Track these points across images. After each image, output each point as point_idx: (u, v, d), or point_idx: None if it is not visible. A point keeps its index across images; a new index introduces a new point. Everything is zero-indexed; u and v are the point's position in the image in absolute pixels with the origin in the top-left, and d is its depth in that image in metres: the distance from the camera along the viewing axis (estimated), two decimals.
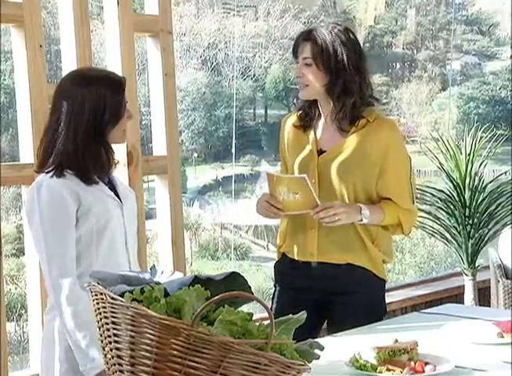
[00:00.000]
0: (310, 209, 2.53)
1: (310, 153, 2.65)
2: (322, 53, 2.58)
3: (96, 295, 1.49)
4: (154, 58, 3.24)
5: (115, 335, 1.45)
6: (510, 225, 4.47)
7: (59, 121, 2.29)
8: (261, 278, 12.89)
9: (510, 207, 4.43)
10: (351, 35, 2.63)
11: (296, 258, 2.69)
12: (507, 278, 4.41)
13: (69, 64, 2.94)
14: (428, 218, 4.53)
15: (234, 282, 1.54)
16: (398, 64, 20.71)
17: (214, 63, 17.67)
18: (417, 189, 4.46)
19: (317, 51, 2.58)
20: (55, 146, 2.29)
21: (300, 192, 2.51)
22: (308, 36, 2.61)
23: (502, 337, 2.32)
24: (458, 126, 17.15)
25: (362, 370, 2.01)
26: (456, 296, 4.65)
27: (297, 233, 2.68)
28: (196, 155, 18.13)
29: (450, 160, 4.53)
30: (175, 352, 1.37)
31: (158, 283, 1.50)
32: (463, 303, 4.46)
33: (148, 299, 1.44)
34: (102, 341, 1.48)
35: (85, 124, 2.27)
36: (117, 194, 2.39)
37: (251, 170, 17.52)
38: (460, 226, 4.42)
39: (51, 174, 2.26)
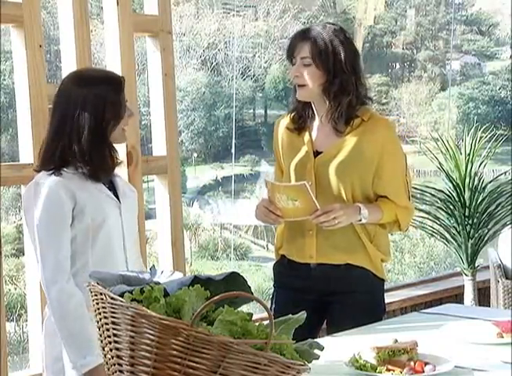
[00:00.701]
0: (309, 215, 2.53)
1: (306, 155, 2.65)
2: (321, 53, 2.57)
3: (96, 295, 1.49)
4: (154, 58, 3.24)
5: (115, 335, 1.45)
6: (509, 226, 4.47)
7: (61, 123, 2.31)
8: (261, 278, 12.89)
9: (509, 207, 4.43)
10: (347, 35, 2.64)
11: (295, 259, 2.69)
12: (507, 278, 4.41)
13: (68, 64, 2.94)
14: (428, 218, 4.53)
15: (234, 282, 1.54)
16: (397, 64, 20.71)
17: (214, 63, 17.66)
18: (417, 189, 4.48)
19: (316, 50, 2.57)
20: (58, 146, 2.31)
21: (299, 199, 2.50)
22: (305, 35, 2.60)
23: (502, 337, 2.32)
24: (458, 126, 17.14)
25: (361, 370, 2.01)
26: (456, 296, 4.65)
27: (295, 236, 2.68)
28: (195, 155, 18.13)
29: (450, 160, 4.53)
30: (175, 352, 1.37)
31: (158, 283, 1.50)
32: (463, 303, 4.46)
33: (148, 299, 1.44)
34: (101, 341, 1.48)
35: (87, 124, 2.29)
36: (116, 194, 2.39)
37: (251, 170, 17.51)
38: (460, 226, 4.42)
39: (49, 172, 2.29)
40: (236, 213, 16.41)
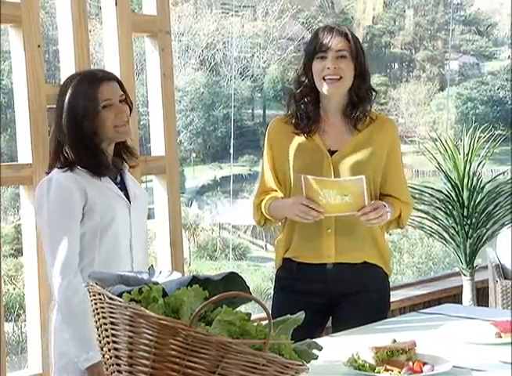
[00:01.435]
0: (355, 211, 2.53)
1: (320, 154, 2.64)
2: (356, 48, 2.62)
3: (94, 295, 1.49)
4: (152, 58, 3.24)
5: (113, 335, 1.45)
6: (508, 226, 4.47)
7: (57, 125, 2.39)
8: (260, 278, 12.89)
9: (508, 207, 4.43)
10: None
11: (307, 261, 2.66)
12: (505, 278, 4.41)
13: (67, 64, 2.94)
14: (426, 219, 4.53)
15: (232, 282, 1.54)
16: (396, 64, 20.73)
17: (213, 63, 17.67)
18: (415, 189, 4.48)
19: (353, 45, 2.61)
20: (58, 148, 2.38)
21: (350, 194, 2.50)
22: (338, 30, 2.62)
23: (501, 337, 2.32)
24: (456, 126, 17.15)
25: (360, 370, 2.01)
26: (454, 296, 4.65)
27: (310, 237, 2.65)
28: (194, 155, 18.13)
29: (448, 160, 4.53)
30: (173, 353, 1.37)
31: (156, 284, 1.50)
32: (461, 303, 4.47)
33: (146, 299, 1.44)
34: (100, 342, 1.48)
35: (68, 120, 2.35)
36: (127, 194, 2.42)
37: (249, 170, 17.52)
38: (458, 226, 4.42)
39: (62, 169, 2.34)
40: (234, 213, 16.42)
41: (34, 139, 2.79)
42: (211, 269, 13.72)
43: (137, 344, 1.40)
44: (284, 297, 2.73)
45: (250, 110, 19.04)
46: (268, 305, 2.76)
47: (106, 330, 1.46)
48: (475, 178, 4.48)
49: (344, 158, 2.63)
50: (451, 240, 4.49)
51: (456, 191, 4.45)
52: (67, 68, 2.93)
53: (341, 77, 2.60)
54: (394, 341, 2.12)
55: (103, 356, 1.48)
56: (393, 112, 18.50)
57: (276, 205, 2.67)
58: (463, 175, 4.47)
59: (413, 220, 4.45)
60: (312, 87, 2.65)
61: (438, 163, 4.55)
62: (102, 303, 1.46)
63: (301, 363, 1.45)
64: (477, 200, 4.43)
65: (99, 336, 1.48)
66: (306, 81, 2.66)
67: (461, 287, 4.53)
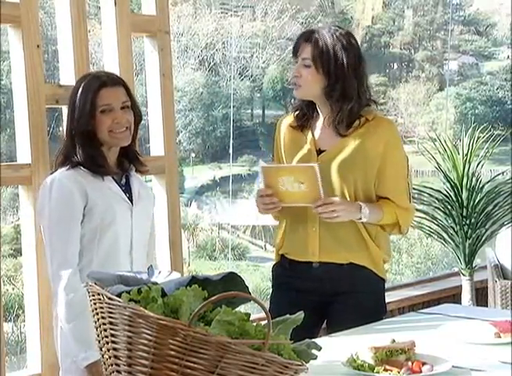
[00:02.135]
0: (311, 203, 2.53)
1: (309, 153, 2.65)
2: (322, 56, 2.57)
3: (94, 295, 1.49)
4: (152, 58, 3.24)
5: (112, 336, 1.45)
6: (507, 226, 4.47)
7: (66, 126, 2.48)
8: (259, 278, 12.89)
9: (507, 207, 4.43)
10: (353, 40, 2.62)
11: (296, 258, 2.68)
12: (504, 278, 4.41)
13: (66, 64, 2.94)
14: (425, 219, 4.53)
15: (231, 282, 1.54)
16: (395, 64, 20.72)
17: (212, 64, 17.66)
18: (414, 189, 4.47)
19: (317, 53, 2.57)
20: (64, 149, 2.45)
21: (306, 182, 2.50)
22: (309, 37, 2.60)
23: (500, 337, 2.32)
24: (455, 126, 17.16)
25: (359, 370, 2.01)
26: (454, 296, 4.65)
27: (298, 233, 2.66)
28: (193, 155, 18.13)
29: (447, 160, 4.53)
30: (173, 353, 1.37)
31: (155, 284, 1.50)
32: (461, 303, 4.47)
33: (145, 299, 1.44)
34: (99, 342, 1.48)
35: (71, 119, 2.43)
36: (130, 196, 2.42)
37: (249, 170, 17.51)
38: (458, 226, 4.42)
39: (63, 169, 2.39)
40: (233, 213, 16.41)
41: (33, 139, 2.79)
42: (211, 269, 13.72)
43: (136, 344, 1.40)
44: (281, 294, 2.74)
45: (250, 110, 19.04)
46: (267, 304, 2.76)
47: (105, 330, 1.46)
48: (474, 179, 4.48)
49: (330, 159, 2.62)
50: (450, 240, 4.49)
51: (455, 191, 4.45)
52: (66, 68, 2.93)
53: (301, 85, 2.61)
54: (394, 341, 2.11)
55: (102, 355, 1.48)
56: (392, 112, 18.50)
57: (258, 188, 2.68)
58: (462, 175, 4.47)
59: (413, 220, 4.44)
60: None
61: (437, 163, 4.55)
62: (102, 303, 1.46)
63: (300, 363, 1.45)
64: (477, 200, 4.43)
65: (98, 336, 1.48)
66: None
67: (460, 287, 4.53)
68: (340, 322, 2.61)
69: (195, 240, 15.69)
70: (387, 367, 2.00)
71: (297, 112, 2.72)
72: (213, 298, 1.38)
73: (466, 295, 4.47)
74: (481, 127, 4.67)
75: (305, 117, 2.69)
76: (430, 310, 2.83)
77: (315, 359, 1.59)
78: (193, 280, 1.51)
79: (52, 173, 2.44)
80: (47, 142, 2.83)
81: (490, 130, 4.73)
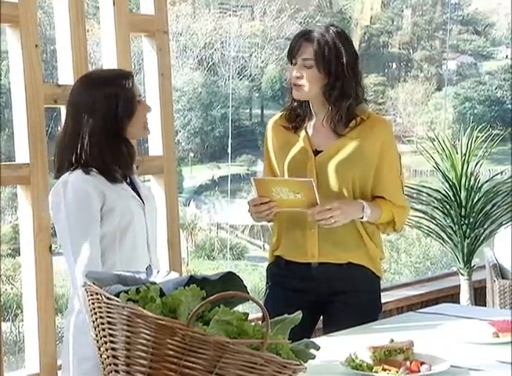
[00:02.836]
0: (308, 208, 2.51)
1: (305, 154, 2.64)
2: (324, 56, 2.56)
3: (92, 295, 1.49)
4: (150, 58, 3.24)
5: (111, 335, 1.45)
6: (505, 225, 4.47)
7: (74, 127, 2.33)
8: (257, 278, 12.87)
9: (505, 206, 4.44)
10: (348, 37, 2.64)
11: (294, 260, 2.67)
12: (503, 278, 4.42)
13: (65, 64, 2.94)
14: (424, 218, 4.53)
15: (230, 282, 1.54)
16: (394, 64, 20.71)
17: (211, 63, 17.65)
18: (413, 188, 4.48)
19: (320, 53, 2.56)
20: (72, 151, 2.32)
21: (302, 193, 2.49)
22: (309, 37, 2.58)
23: (498, 336, 2.32)
24: (454, 126, 17.14)
25: (357, 369, 2.01)
26: (452, 296, 4.66)
27: (296, 235, 2.66)
28: (192, 155, 18.11)
29: (446, 160, 4.53)
30: (171, 352, 1.37)
31: (154, 283, 1.50)
32: (459, 303, 4.47)
33: (143, 299, 1.44)
34: (97, 341, 1.48)
35: (101, 124, 2.31)
36: (138, 194, 2.40)
37: (247, 170, 17.50)
38: (456, 226, 4.43)
39: (77, 172, 2.30)
40: (232, 213, 16.40)
41: (31, 139, 2.79)
42: (209, 268, 13.71)
43: (134, 344, 1.40)
44: (276, 293, 2.72)
45: (248, 110, 19.01)
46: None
47: (104, 329, 1.46)
48: (473, 178, 4.48)
49: (327, 159, 2.61)
50: (448, 240, 4.49)
51: (453, 191, 4.45)
52: (65, 68, 2.93)
53: (303, 86, 2.59)
54: (392, 340, 2.12)
55: (100, 355, 1.48)
56: (391, 112, 18.49)
57: (250, 199, 2.64)
58: (461, 174, 4.47)
59: (411, 220, 4.45)
60: None
61: (436, 163, 4.55)
62: (100, 303, 1.46)
63: (298, 363, 1.45)
64: (475, 200, 4.43)
65: (97, 336, 1.48)
66: None
67: (459, 286, 4.53)
68: (338, 321, 2.61)
69: (193, 239, 15.68)
70: (386, 367, 2.00)
71: (289, 112, 2.70)
72: (211, 297, 1.38)
73: (465, 295, 4.48)
74: (480, 126, 4.67)
75: (299, 117, 2.68)
76: (429, 310, 2.83)
77: (314, 358, 1.59)
78: (191, 279, 1.51)
79: (57, 177, 2.35)
80: (45, 141, 2.83)
81: (488, 130, 4.74)
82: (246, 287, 1.55)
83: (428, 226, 4.55)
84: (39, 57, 2.82)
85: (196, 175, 18.13)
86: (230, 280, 1.54)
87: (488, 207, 4.43)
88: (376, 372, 1.99)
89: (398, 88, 19.73)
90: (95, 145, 2.30)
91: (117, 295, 1.46)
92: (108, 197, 2.29)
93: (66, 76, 2.92)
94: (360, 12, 19.35)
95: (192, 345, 1.36)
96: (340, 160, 2.60)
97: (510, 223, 4.44)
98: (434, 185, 4.68)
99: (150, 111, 2.44)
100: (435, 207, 4.48)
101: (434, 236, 4.60)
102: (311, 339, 1.71)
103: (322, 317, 2.77)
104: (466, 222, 4.41)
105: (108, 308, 1.44)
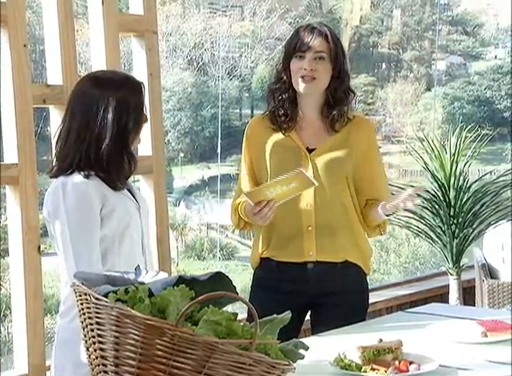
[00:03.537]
0: (306, 189, 2.50)
1: (298, 152, 2.64)
2: (336, 49, 2.60)
3: (80, 296, 1.49)
4: (139, 58, 3.24)
5: (99, 336, 1.44)
6: (494, 225, 4.48)
7: (81, 128, 2.26)
8: (248, 278, 12.86)
9: (494, 206, 4.45)
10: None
11: (288, 260, 2.65)
12: (492, 277, 4.43)
13: (53, 64, 2.93)
14: (413, 218, 4.54)
15: (219, 282, 1.54)
16: (383, 64, 20.75)
17: (200, 63, 17.63)
18: (402, 188, 4.48)
19: (333, 46, 2.60)
20: (76, 152, 2.25)
21: (295, 182, 2.46)
22: (319, 31, 2.60)
23: (487, 336, 2.33)
24: (443, 126, 17.19)
25: (346, 369, 2.01)
26: (441, 295, 4.67)
27: (291, 235, 2.64)
28: (182, 155, 18.09)
29: (435, 160, 4.54)
30: (160, 353, 1.37)
31: (142, 284, 1.50)
32: (448, 303, 4.48)
33: (132, 299, 1.44)
34: (86, 342, 1.48)
35: (110, 131, 2.24)
36: (133, 197, 2.39)
37: (237, 170, 17.48)
38: (445, 226, 4.44)
39: (76, 174, 2.24)
40: (222, 213, 16.38)
41: (20, 139, 2.78)
42: (199, 268, 13.69)
43: (123, 344, 1.40)
44: (263, 295, 2.68)
45: (238, 110, 19.01)
46: None
47: (92, 330, 1.46)
48: (462, 178, 4.50)
49: (322, 156, 2.63)
50: (437, 240, 4.51)
51: (442, 191, 4.46)
52: (54, 68, 2.92)
53: (315, 78, 2.59)
54: (381, 340, 2.12)
55: (89, 356, 1.47)
56: (380, 112, 18.53)
57: (248, 209, 2.60)
58: (450, 174, 4.49)
59: (400, 220, 4.46)
60: (290, 84, 2.64)
61: (425, 163, 4.56)
62: (88, 303, 1.46)
63: (287, 363, 1.45)
64: (464, 200, 4.45)
65: (85, 336, 1.48)
66: (284, 77, 2.66)
67: (448, 286, 4.54)
68: (327, 321, 2.61)
69: (183, 239, 15.66)
70: (375, 367, 2.01)
71: (272, 114, 2.68)
72: (200, 297, 1.38)
73: (454, 295, 4.49)
74: (469, 127, 4.69)
75: (287, 117, 2.67)
76: (418, 310, 2.84)
77: (303, 358, 1.59)
78: (180, 279, 1.51)
79: (53, 176, 2.28)
80: (34, 142, 2.82)
81: (477, 130, 4.75)
82: (235, 287, 1.55)
83: (417, 226, 4.57)
84: (28, 57, 2.81)
85: (186, 175, 18.11)
86: (219, 280, 1.54)
87: (477, 207, 4.44)
88: (365, 372, 2.00)
89: (388, 88, 19.77)
90: (101, 152, 2.24)
91: (106, 296, 1.46)
92: (108, 200, 2.25)
93: (55, 76, 2.91)
94: (350, 12, 19.38)
95: (180, 346, 1.36)
96: (333, 157, 2.62)
97: (498, 223, 4.46)
98: (423, 185, 4.69)
99: (147, 122, 2.40)
100: (424, 207, 4.49)
101: (424, 236, 4.61)
102: (301, 339, 1.71)
103: (310, 317, 2.76)
104: (455, 221, 4.43)
105: (97, 308, 1.44)
